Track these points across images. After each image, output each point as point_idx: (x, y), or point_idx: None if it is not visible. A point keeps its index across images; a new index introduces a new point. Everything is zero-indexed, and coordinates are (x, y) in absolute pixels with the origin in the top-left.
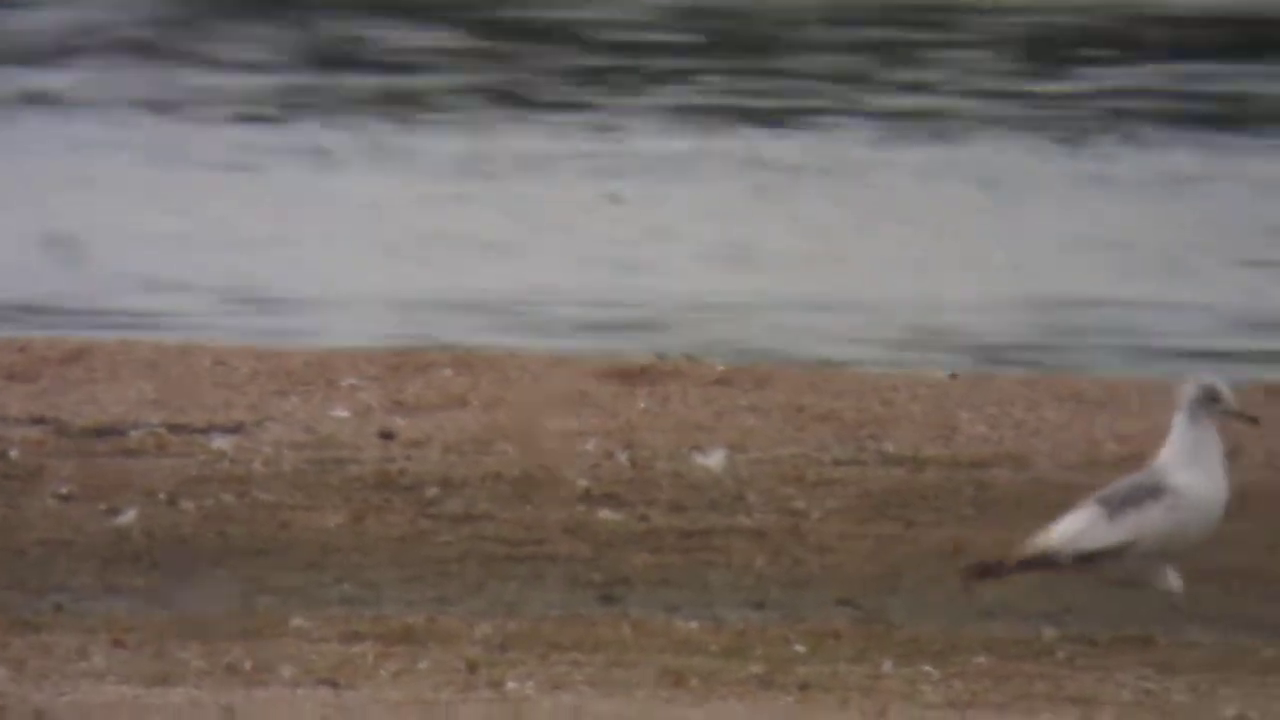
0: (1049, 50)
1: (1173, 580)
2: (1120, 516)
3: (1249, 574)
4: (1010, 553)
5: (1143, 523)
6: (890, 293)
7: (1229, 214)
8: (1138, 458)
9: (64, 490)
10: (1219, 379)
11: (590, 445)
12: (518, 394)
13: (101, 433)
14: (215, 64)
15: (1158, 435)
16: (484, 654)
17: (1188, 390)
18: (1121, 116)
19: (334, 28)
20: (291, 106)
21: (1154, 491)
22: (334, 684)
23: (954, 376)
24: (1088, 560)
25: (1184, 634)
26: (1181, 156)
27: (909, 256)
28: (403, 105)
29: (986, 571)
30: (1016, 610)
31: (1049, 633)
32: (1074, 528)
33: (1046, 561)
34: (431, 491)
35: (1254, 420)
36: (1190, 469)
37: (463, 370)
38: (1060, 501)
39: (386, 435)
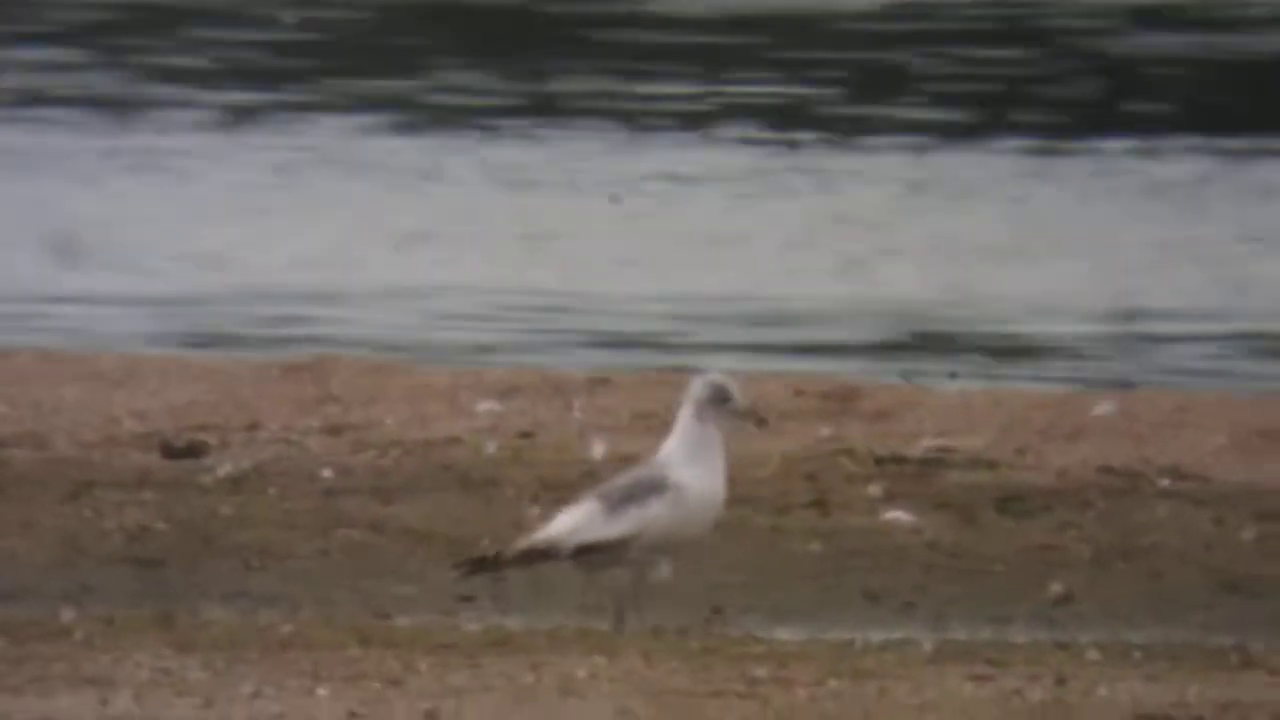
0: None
1: (665, 572)
2: (621, 511)
3: (266, 550)
4: (507, 546)
5: (644, 517)
6: None
7: None
8: (155, 434)
9: None
10: (729, 379)
11: None
12: None
13: None
14: None
15: (174, 411)
16: None
17: (697, 388)
18: None
19: None
20: None
21: (656, 487)
22: None
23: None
24: (587, 552)
25: (202, 613)
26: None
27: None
28: None
29: (482, 564)
30: (35, 591)
31: (67, 614)
32: (573, 521)
33: (546, 554)
34: None
35: (763, 421)
36: (692, 465)
37: None
38: (79, 479)
39: None
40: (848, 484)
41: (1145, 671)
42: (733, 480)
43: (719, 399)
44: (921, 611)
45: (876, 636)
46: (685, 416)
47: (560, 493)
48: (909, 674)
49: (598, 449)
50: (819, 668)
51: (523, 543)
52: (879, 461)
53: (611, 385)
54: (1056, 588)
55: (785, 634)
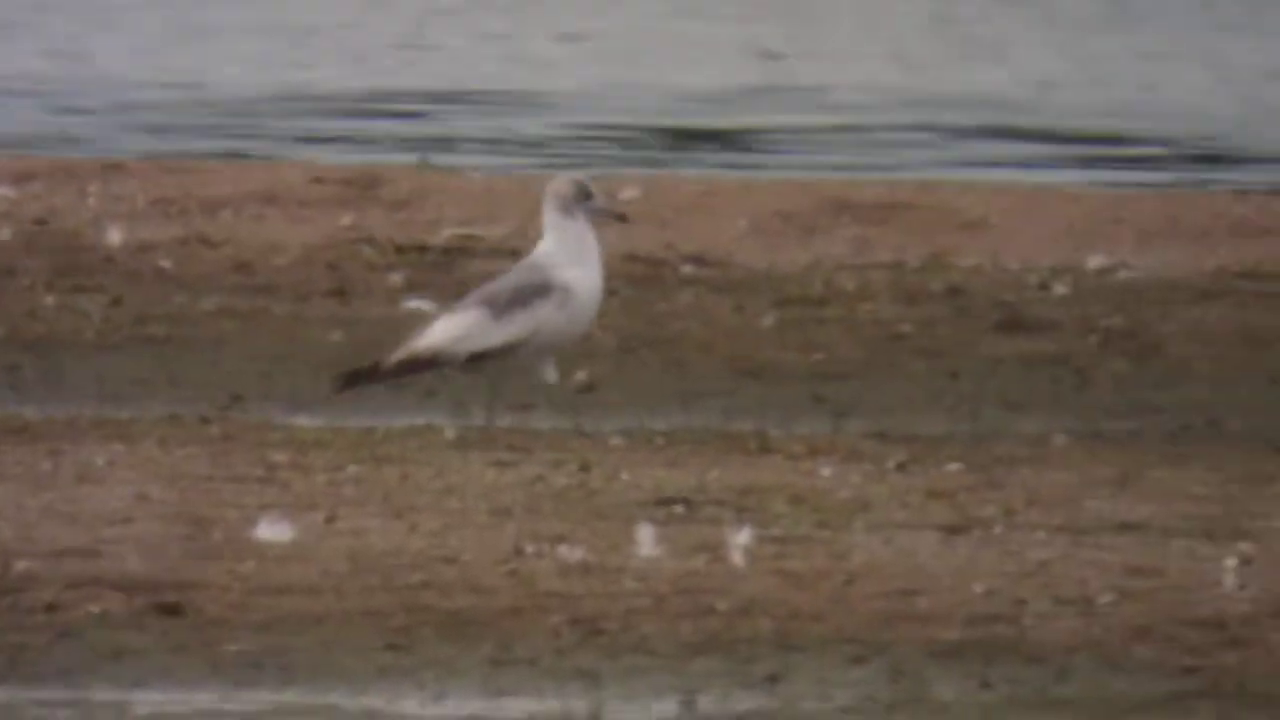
0: None
1: (550, 373)
2: (509, 315)
3: None
4: (386, 357)
5: (534, 320)
6: None
7: None
8: None
9: None
10: (586, 176)
11: None
12: None
13: None
14: None
15: None
16: None
17: (558, 187)
18: None
19: None
20: None
21: (542, 290)
22: None
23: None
24: (478, 359)
25: None
26: None
27: None
28: None
29: (359, 377)
30: None
31: None
32: (459, 329)
33: (433, 362)
34: None
35: (623, 218)
36: (574, 264)
37: None
38: None
39: None
40: (369, 272)
41: (667, 456)
42: (250, 268)
43: (582, 195)
44: (444, 399)
45: (399, 423)
46: (553, 215)
47: (75, 278)
48: (431, 459)
49: (113, 236)
50: (339, 453)
51: (403, 353)
52: (400, 250)
53: (125, 171)
54: (580, 375)
55: (305, 421)
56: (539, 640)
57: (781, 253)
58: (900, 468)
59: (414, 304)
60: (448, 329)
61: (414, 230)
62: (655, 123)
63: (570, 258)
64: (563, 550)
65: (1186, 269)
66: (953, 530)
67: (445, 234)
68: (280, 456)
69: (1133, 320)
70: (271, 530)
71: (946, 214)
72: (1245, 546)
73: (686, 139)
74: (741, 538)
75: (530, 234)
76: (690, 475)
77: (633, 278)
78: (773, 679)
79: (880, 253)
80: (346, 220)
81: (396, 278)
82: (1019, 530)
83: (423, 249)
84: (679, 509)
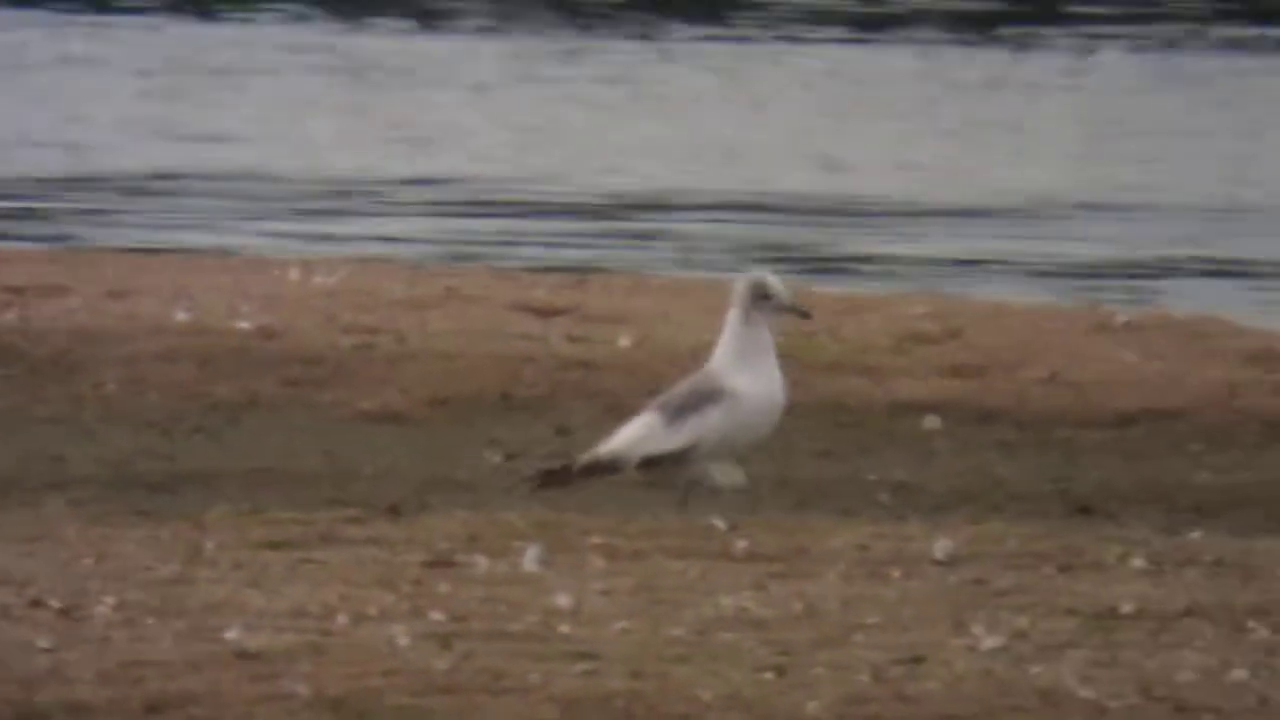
0: None
1: (736, 477)
2: (680, 422)
3: None
4: (574, 460)
5: (702, 427)
6: None
7: None
8: None
9: None
10: (769, 274)
11: None
12: None
13: None
14: None
15: None
16: None
17: (739, 288)
18: None
19: None
20: None
21: (711, 395)
22: None
23: None
24: (651, 465)
25: None
26: None
27: None
28: None
29: (552, 479)
30: None
31: None
32: (635, 434)
33: (612, 467)
34: None
35: (806, 314)
36: (743, 370)
37: None
38: None
39: None
40: None
41: None
42: None
43: (761, 296)
44: None
45: None
46: (732, 319)
47: None
48: None
49: None
50: None
51: (587, 457)
52: None
53: None
54: None
55: None
56: None
57: None
58: None
59: None
60: (627, 434)
61: None
62: None
63: (739, 364)
64: None
65: None
66: None
67: None
68: None
69: None
70: None
71: None
72: None
73: None
74: None
75: None
76: None
77: None
78: None
79: None
80: None
81: None
82: None
83: None
84: None
